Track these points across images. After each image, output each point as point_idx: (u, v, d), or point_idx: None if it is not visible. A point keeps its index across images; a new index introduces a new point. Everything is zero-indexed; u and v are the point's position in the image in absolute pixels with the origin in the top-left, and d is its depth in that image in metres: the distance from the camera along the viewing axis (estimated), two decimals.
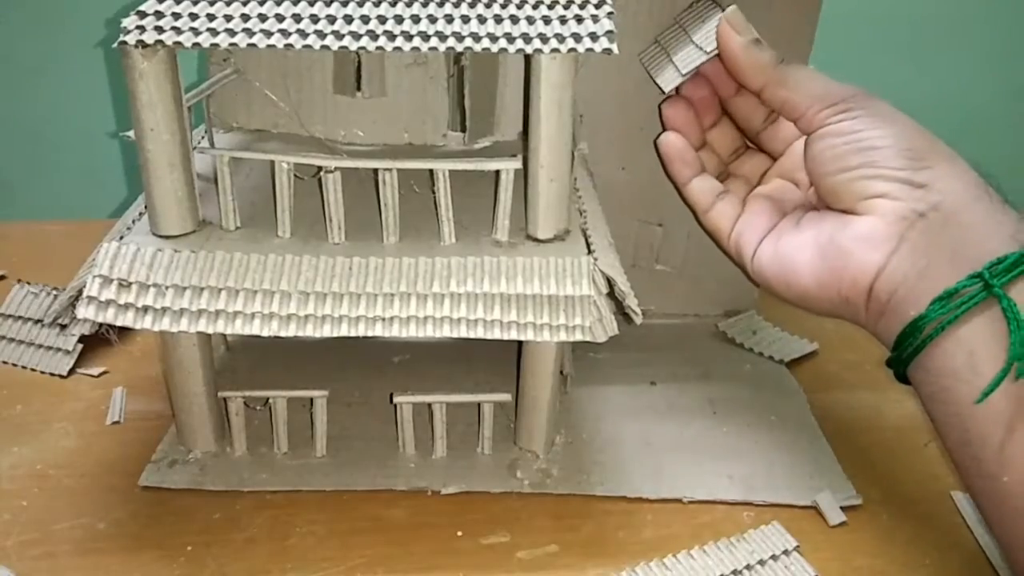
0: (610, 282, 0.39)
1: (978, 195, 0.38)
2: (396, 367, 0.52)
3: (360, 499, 0.43)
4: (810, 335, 0.56)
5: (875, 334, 0.41)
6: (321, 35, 0.36)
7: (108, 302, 0.38)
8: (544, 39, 0.37)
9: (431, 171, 0.40)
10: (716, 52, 0.45)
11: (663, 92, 0.48)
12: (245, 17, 0.37)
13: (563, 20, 0.38)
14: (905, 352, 0.39)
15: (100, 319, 0.38)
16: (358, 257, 0.39)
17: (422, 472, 0.44)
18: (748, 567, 0.39)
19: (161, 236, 0.40)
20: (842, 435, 0.48)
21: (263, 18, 0.37)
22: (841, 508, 0.43)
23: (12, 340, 0.53)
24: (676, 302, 0.58)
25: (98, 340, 0.50)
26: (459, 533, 0.41)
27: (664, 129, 0.49)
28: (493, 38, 0.36)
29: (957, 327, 0.36)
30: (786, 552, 0.40)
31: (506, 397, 0.44)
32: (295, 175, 0.40)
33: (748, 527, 0.41)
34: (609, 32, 0.37)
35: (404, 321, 0.38)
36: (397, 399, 0.44)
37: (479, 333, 0.38)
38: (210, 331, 0.38)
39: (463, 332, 0.38)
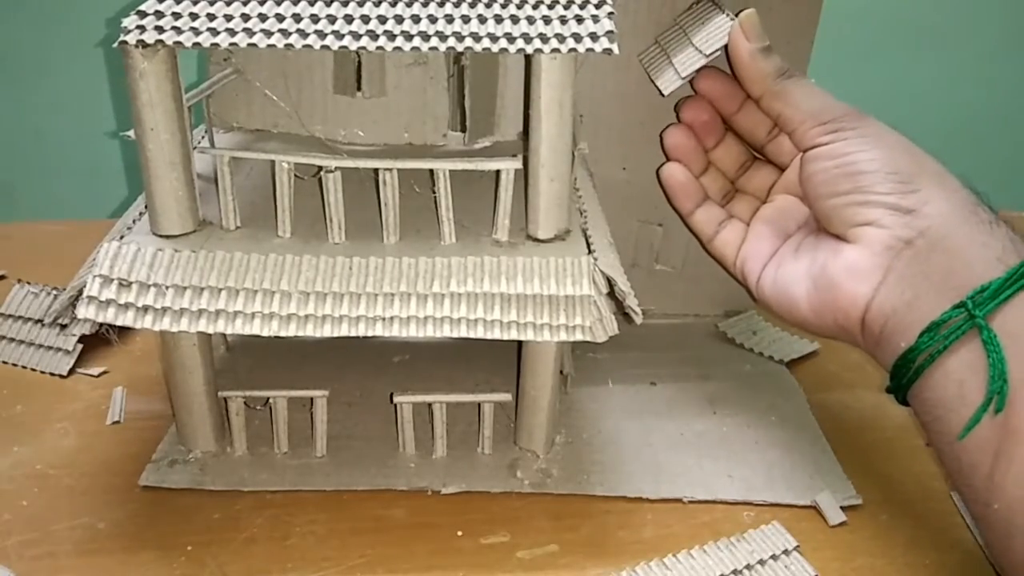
0: (610, 282, 0.39)
1: (966, 216, 0.38)
2: (396, 367, 0.52)
3: (360, 499, 0.43)
4: (810, 335, 0.56)
5: (876, 360, 0.41)
6: (321, 35, 0.36)
7: (108, 302, 0.38)
8: (544, 39, 0.37)
9: (431, 171, 0.40)
10: (716, 55, 0.45)
11: (662, 94, 0.48)
12: (245, 17, 0.37)
13: (563, 20, 0.38)
14: (900, 382, 0.39)
15: (100, 319, 0.38)
16: (358, 257, 0.39)
17: (422, 472, 0.44)
18: (748, 567, 0.39)
19: (161, 236, 0.40)
20: (842, 435, 0.48)
21: (263, 18, 0.37)
22: (841, 508, 0.43)
23: (12, 340, 0.53)
24: (676, 302, 0.58)
25: (98, 340, 0.50)
26: (459, 533, 0.41)
27: (666, 158, 0.50)
28: (493, 38, 0.36)
29: (945, 358, 0.37)
30: (786, 552, 0.40)
31: (506, 397, 0.44)
32: (295, 175, 0.40)
33: (748, 527, 0.41)
34: (609, 32, 0.37)
35: (404, 321, 0.38)
36: (397, 399, 0.44)
37: (479, 333, 0.38)
38: (210, 331, 0.38)
39: (463, 332, 0.38)
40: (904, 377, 0.39)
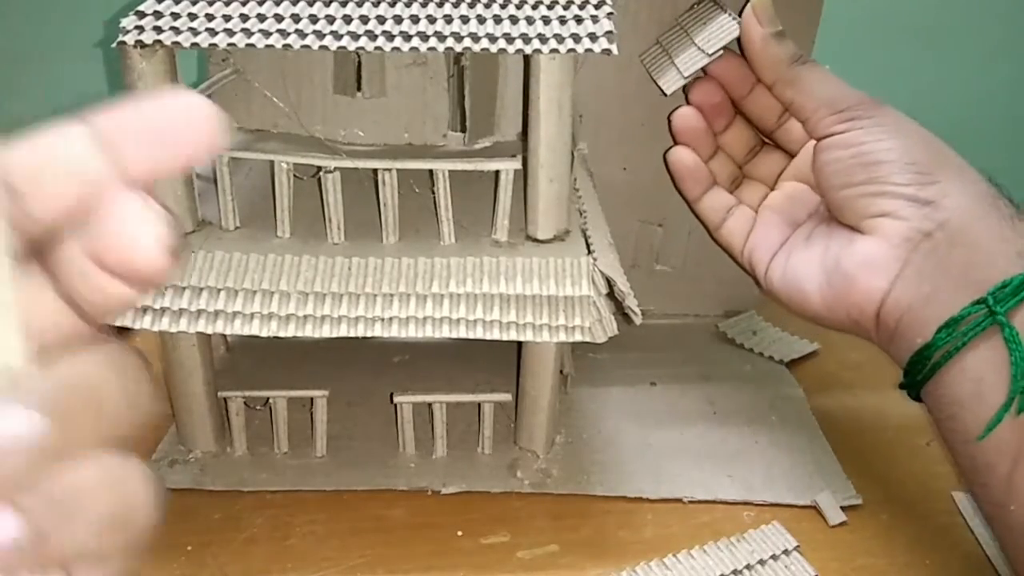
0: (610, 282, 0.39)
1: (986, 210, 0.37)
2: (396, 367, 0.52)
3: (360, 499, 0.43)
4: (810, 335, 0.56)
5: (889, 355, 0.40)
6: (320, 35, 0.36)
7: None
8: (543, 39, 0.37)
9: (431, 171, 0.40)
10: (719, 54, 0.45)
11: (664, 94, 0.48)
12: (244, 17, 0.37)
13: (563, 20, 0.38)
14: (915, 379, 0.38)
15: None
16: (357, 257, 0.39)
17: (422, 472, 0.44)
18: (748, 567, 0.39)
19: None
20: (842, 435, 0.48)
21: (262, 18, 0.37)
22: (841, 508, 0.43)
23: None
24: (676, 302, 0.58)
25: None
26: (459, 533, 0.41)
27: (674, 141, 0.49)
28: (492, 38, 0.36)
29: (963, 355, 0.36)
30: (786, 552, 0.40)
31: (506, 397, 0.44)
32: (295, 175, 0.40)
33: (748, 527, 0.41)
34: (609, 32, 0.37)
35: (404, 321, 0.38)
36: (397, 399, 0.44)
37: (479, 333, 0.38)
38: (209, 331, 0.38)
39: (463, 332, 0.38)
40: (919, 374, 0.38)
